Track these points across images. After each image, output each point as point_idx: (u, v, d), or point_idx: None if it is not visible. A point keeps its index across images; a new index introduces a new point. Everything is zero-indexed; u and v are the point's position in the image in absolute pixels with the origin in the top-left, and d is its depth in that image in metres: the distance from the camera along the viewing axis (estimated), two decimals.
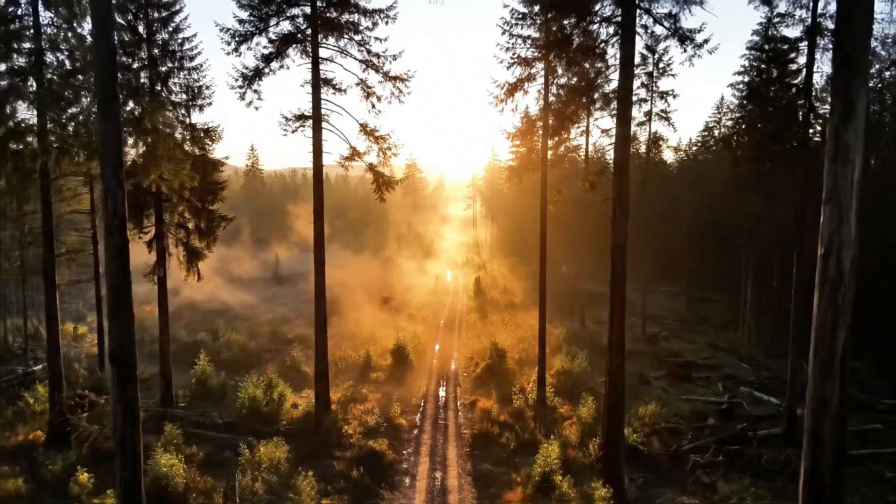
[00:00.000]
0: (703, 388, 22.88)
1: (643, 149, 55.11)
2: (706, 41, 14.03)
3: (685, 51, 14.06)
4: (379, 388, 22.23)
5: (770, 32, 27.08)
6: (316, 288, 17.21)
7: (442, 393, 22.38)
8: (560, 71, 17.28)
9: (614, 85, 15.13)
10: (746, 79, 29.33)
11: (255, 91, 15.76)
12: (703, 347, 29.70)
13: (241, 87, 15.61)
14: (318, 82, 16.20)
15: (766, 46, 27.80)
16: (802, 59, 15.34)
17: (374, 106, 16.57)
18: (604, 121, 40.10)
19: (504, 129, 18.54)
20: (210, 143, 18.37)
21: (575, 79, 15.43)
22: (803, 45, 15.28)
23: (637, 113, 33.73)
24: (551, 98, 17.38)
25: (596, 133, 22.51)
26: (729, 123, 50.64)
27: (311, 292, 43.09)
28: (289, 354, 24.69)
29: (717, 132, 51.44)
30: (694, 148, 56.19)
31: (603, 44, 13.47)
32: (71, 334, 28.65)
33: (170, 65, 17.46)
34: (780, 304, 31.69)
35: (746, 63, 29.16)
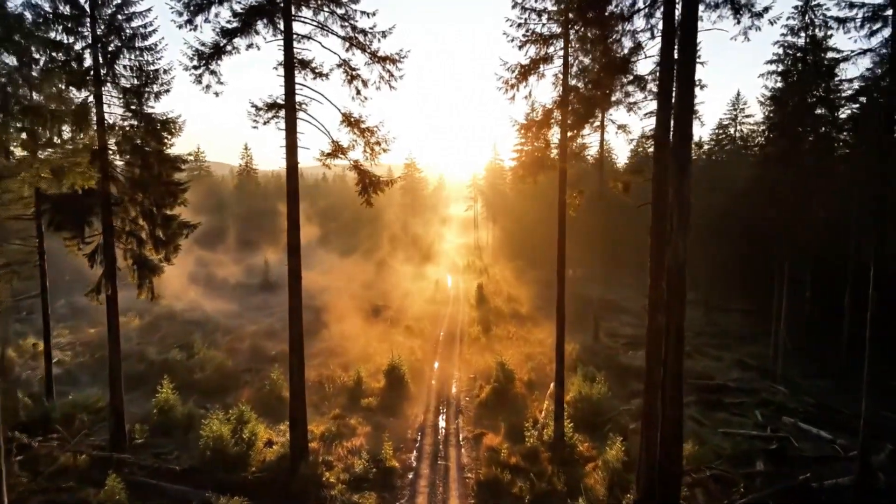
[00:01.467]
0: (738, 416, 20.27)
1: (652, 148, 52.02)
2: (766, 9, 11.42)
3: (738, 21, 11.46)
4: (369, 418, 19.60)
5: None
6: (291, 307, 14.59)
7: (442, 423, 19.77)
8: (579, 55, 14.75)
9: (650, 66, 12.54)
10: (780, 68, 26.85)
11: (214, 72, 13.13)
12: (729, 365, 27.08)
13: (196, 67, 12.99)
14: (291, 63, 13.59)
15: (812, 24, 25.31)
16: (887, 32, 12.67)
17: (359, 92, 13.98)
18: (618, 114, 37.19)
19: (515, 119, 15.95)
20: (168, 136, 15.72)
21: (603, 58, 12.83)
22: (888, 11, 12.61)
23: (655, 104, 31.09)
24: (572, 82, 14.75)
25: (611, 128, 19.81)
26: (748, 121, 48.37)
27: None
28: (268, 377, 22.05)
29: (732, 130, 48.94)
30: (705, 147, 53.66)
31: (644, 7, 10.86)
32: (30, 351, 26.01)
33: (117, 43, 14.82)
34: (815, 316, 29.16)
35: (780, 51, 26.67)
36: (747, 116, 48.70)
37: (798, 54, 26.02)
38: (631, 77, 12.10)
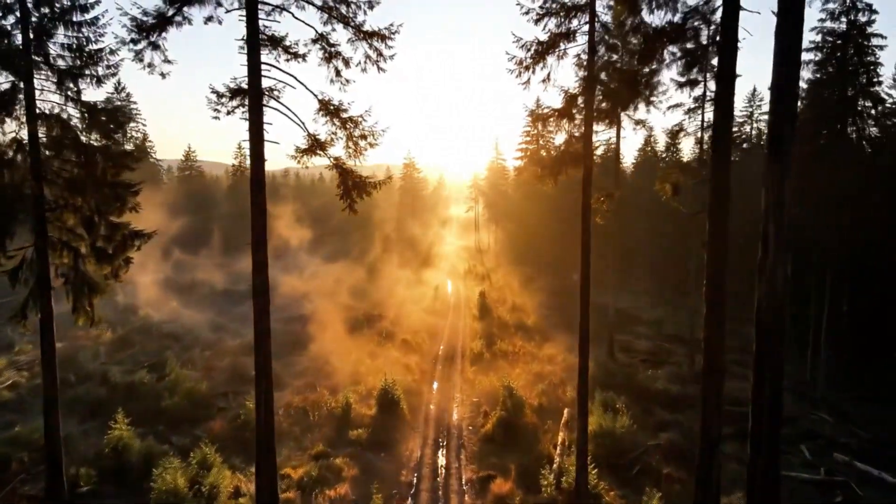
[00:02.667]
0: (784, 453, 17.75)
1: (660, 145, 49.41)
2: None
3: None
4: (358, 456, 17.12)
5: None
6: (257, 331, 12.16)
7: (441, 461, 17.32)
8: (608, 34, 12.31)
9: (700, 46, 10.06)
10: (818, 57, 24.43)
11: (158, 47, 10.65)
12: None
13: (136, 41, 10.51)
14: (256, 39, 11.14)
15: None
16: None
17: (339, 73, 11.54)
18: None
19: (529, 109, 13.52)
20: (115, 127, 13.25)
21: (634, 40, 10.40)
22: None
23: (682, 97, 28.42)
24: (601, 61, 12.26)
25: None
26: (765, 118, 45.90)
27: (286, 308, 38.14)
28: (243, 405, 19.58)
29: (748, 127, 46.50)
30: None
31: None
32: None
33: (50, 16, 12.36)
34: (854, 331, 26.68)
35: (819, 38, 24.26)
36: (764, 113, 46.35)
37: (838, 41, 23.63)
38: (681, 50, 9.59)
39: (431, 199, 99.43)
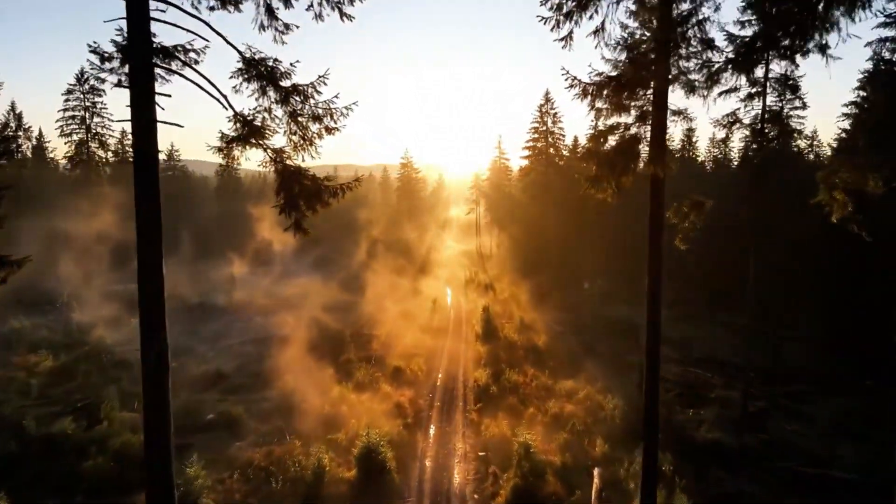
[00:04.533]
0: None
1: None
2: None
3: None
4: None
5: None
6: (147, 404, 8.03)
7: None
8: None
9: None
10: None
11: None
12: (827, 432, 20.45)
13: None
14: None
15: None
16: None
17: (272, 13, 7.43)
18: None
19: (573, 77, 9.43)
20: None
21: None
22: None
23: (732, 79, 24.38)
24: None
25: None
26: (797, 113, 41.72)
27: (256, 328, 33.80)
28: (187, 467, 15.42)
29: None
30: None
31: None
32: None
33: None
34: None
35: None
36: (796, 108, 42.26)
37: None
38: None
39: (430, 200, 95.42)
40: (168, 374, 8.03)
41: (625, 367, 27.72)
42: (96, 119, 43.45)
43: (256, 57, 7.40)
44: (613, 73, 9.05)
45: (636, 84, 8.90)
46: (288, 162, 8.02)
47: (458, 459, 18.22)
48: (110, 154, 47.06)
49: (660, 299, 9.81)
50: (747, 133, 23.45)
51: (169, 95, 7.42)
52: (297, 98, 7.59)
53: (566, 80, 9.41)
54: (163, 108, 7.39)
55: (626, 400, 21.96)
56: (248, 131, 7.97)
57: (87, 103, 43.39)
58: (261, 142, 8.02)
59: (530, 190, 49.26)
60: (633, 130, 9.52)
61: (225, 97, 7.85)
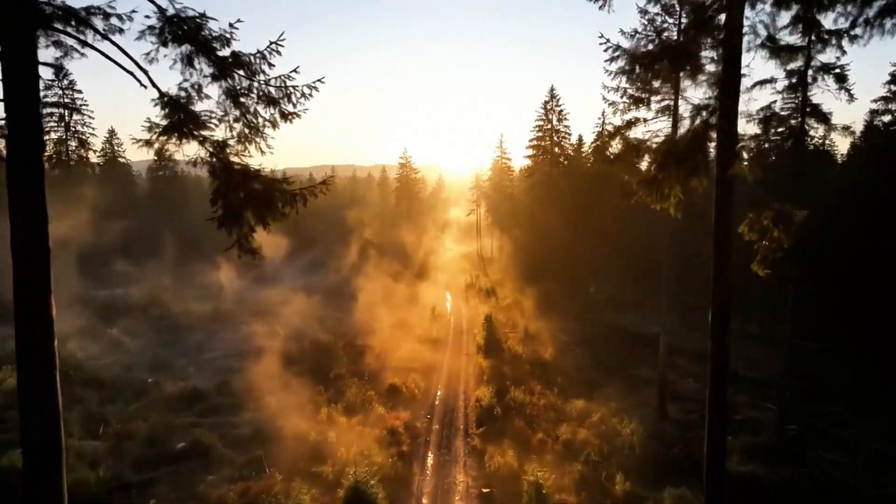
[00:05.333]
0: None
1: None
2: None
3: None
4: None
5: None
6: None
7: None
8: None
9: None
10: None
11: None
12: (871, 461, 18.42)
13: None
14: None
15: None
16: None
17: None
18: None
19: (617, 45, 7.42)
20: None
21: None
22: None
23: (771, 66, 22.01)
24: None
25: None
26: None
27: (239, 340, 31.47)
28: None
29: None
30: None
31: None
32: None
33: None
34: None
35: None
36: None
37: None
38: None
39: (430, 201, 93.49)
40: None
41: (639, 384, 25.75)
42: (76, 116, 41.45)
43: (181, 13, 5.37)
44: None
45: (696, 51, 6.81)
46: (234, 159, 5.99)
47: (460, 497, 16.19)
48: (93, 154, 44.91)
49: (726, 334, 7.78)
50: (777, 130, 21.50)
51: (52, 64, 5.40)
52: (241, 72, 5.56)
53: (606, 49, 7.44)
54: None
55: (644, 424, 19.93)
56: (182, 118, 5.94)
57: (67, 99, 41.39)
58: (199, 132, 5.99)
59: (534, 191, 47.25)
60: (704, 116, 7.42)
61: (146, 72, 5.84)
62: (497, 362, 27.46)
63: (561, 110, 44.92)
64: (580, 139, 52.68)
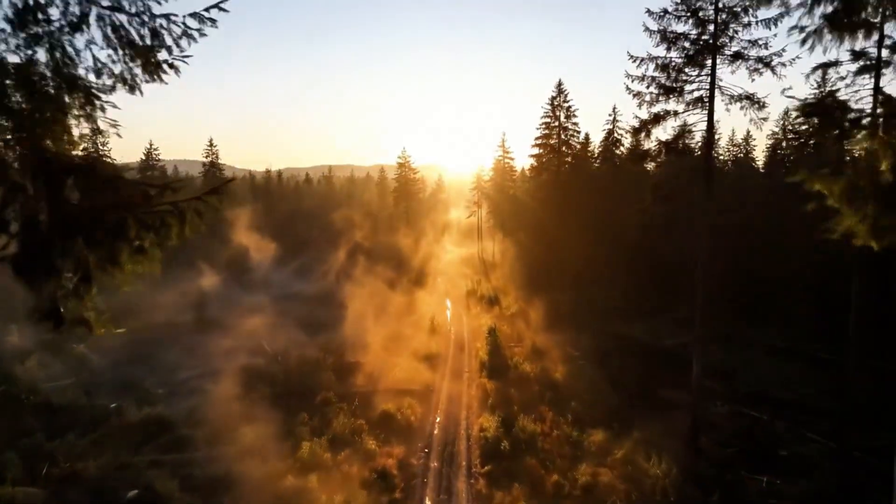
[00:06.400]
0: None
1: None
2: None
3: None
4: None
5: None
6: None
7: None
8: None
9: None
10: None
11: None
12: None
13: None
14: None
15: None
16: None
17: None
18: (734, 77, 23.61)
19: None
20: None
21: None
22: None
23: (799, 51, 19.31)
24: None
25: None
26: None
27: (231, 354, 28.82)
28: None
29: None
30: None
31: None
32: None
33: None
34: None
35: None
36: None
37: None
38: None
39: (429, 202, 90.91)
40: None
41: (662, 407, 23.06)
42: None
43: None
44: None
45: None
46: (63, 156, 3.32)
47: None
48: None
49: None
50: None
51: None
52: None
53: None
54: None
55: (675, 462, 17.26)
56: None
57: None
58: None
59: (540, 192, 44.57)
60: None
61: None
62: (502, 384, 24.81)
63: (569, 106, 42.26)
64: (587, 137, 50.09)
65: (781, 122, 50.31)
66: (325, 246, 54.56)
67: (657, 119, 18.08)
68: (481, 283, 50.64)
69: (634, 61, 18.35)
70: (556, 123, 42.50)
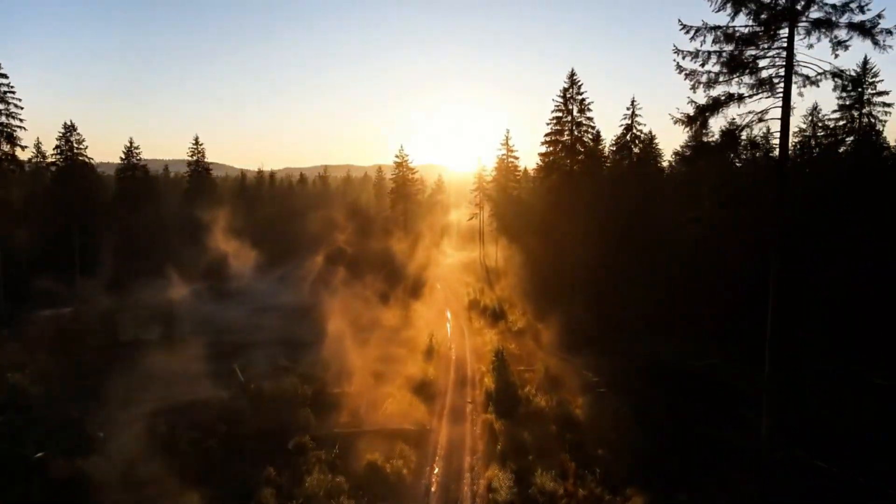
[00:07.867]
0: None
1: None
2: None
3: None
4: None
5: None
6: None
7: None
8: None
9: None
10: None
11: None
12: None
13: None
14: None
15: None
16: None
17: None
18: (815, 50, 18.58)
19: None
20: None
21: None
22: None
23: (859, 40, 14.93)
24: None
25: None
26: None
27: (197, 381, 24.26)
28: None
29: None
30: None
31: None
32: None
33: None
34: None
35: None
36: None
37: None
38: None
39: (428, 203, 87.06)
40: None
41: (705, 451, 19.07)
42: (1, 105, 34.90)
43: None
44: None
45: None
46: None
47: None
48: (20, 150, 38.27)
49: None
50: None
51: None
52: None
53: None
54: None
55: None
56: None
57: None
58: None
59: (551, 194, 40.69)
60: None
61: None
62: (512, 422, 20.92)
63: (583, 99, 38.37)
64: (598, 134, 46.21)
65: (810, 118, 46.54)
66: (312, 252, 50.59)
67: (716, 105, 14.22)
68: (484, 293, 46.78)
69: (688, 32, 14.51)
70: (569, 118, 38.64)
